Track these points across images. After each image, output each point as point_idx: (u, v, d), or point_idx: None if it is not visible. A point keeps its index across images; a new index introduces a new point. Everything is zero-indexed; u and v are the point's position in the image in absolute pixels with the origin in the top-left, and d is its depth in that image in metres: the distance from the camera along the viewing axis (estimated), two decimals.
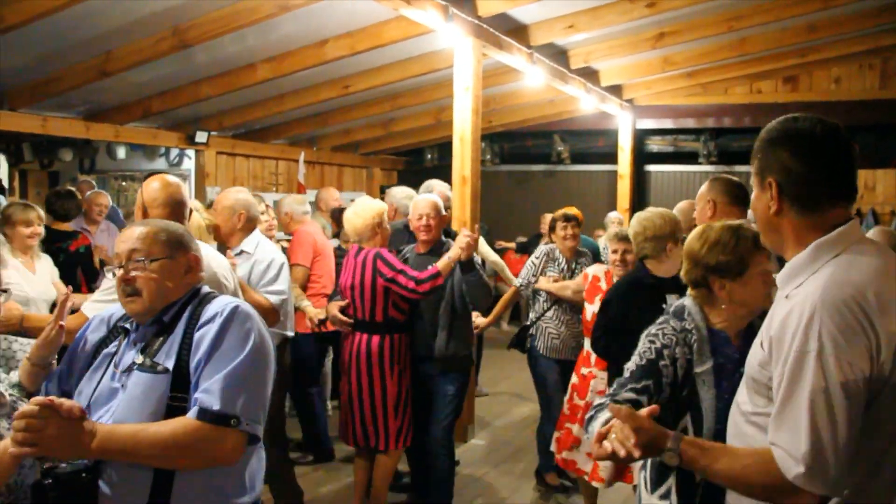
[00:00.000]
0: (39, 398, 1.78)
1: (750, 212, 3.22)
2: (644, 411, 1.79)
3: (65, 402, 1.80)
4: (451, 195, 5.35)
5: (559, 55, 7.55)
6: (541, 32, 6.62)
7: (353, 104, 8.59)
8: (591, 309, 4.23)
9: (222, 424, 1.90)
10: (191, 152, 9.36)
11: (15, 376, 2.26)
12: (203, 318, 2.05)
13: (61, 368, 2.23)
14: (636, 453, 1.70)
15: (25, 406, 1.77)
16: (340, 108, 8.74)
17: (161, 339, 2.07)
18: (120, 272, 2.09)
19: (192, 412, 1.91)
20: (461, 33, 5.51)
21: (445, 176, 5.91)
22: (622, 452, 1.71)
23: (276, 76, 6.60)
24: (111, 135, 7.75)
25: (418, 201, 4.42)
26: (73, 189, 6.43)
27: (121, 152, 10.47)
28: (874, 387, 1.59)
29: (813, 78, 9.94)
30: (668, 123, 10.78)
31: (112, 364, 2.09)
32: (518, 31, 6.52)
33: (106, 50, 5.75)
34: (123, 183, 11.74)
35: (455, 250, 4.13)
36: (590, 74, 8.48)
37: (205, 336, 2.01)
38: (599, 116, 10.32)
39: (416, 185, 9.89)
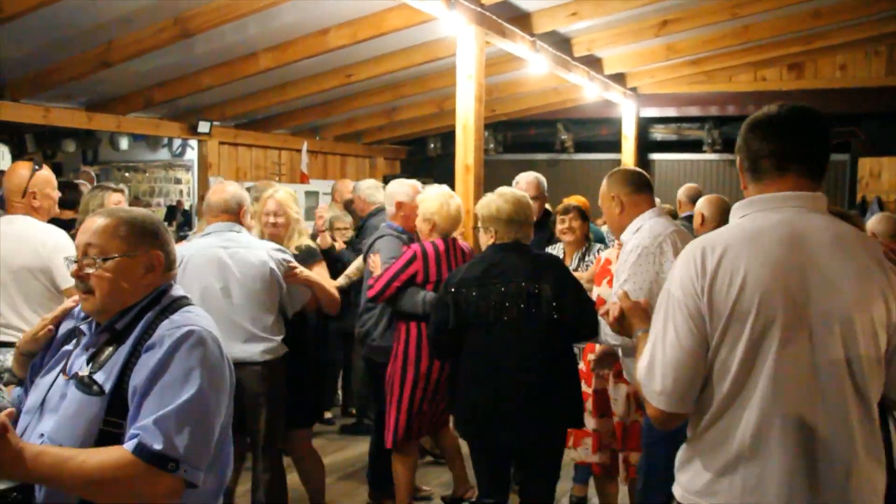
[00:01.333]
0: None
1: (657, 199, 3.69)
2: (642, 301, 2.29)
3: None
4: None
5: (562, 43, 7.51)
6: (544, 20, 6.58)
7: (355, 93, 8.57)
8: (597, 291, 4.21)
9: (159, 466, 1.73)
10: (193, 142, 9.36)
11: (8, 362, 2.25)
12: (154, 339, 1.85)
13: (35, 363, 2.11)
14: (615, 311, 2.23)
15: None
16: (343, 98, 8.72)
17: (109, 349, 1.91)
18: (74, 267, 1.94)
19: (130, 445, 1.74)
20: (464, 21, 5.48)
21: (448, 165, 5.90)
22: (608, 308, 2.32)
23: (279, 65, 6.58)
24: (113, 125, 7.74)
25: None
26: (77, 181, 6.43)
27: (123, 143, 10.48)
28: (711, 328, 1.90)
29: (818, 65, 9.88)
30: (671, 112, 10.74)
31: (65, 366, 1.96)
32: (521, 19, 6.49)
33: (107, 40, 5.74)
34: (126, 174, 11.75)
35: None
36: (593, 62, 8.44)
37: (149, 360, 1.82)
38: (603, 105, 10.27)
39: (419, 174, 9.88)
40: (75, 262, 1.94)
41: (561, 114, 11.08)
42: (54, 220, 5.71)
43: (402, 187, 4.46)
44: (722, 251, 1.90)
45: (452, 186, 5.54)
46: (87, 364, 1.90)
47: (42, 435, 1.86)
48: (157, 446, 1.72)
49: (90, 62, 5.94)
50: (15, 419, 1.93)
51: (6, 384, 2.19)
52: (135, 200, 9.24)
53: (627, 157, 10.23)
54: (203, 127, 8.28)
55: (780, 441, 1.86)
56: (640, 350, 2.05)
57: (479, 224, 3.53)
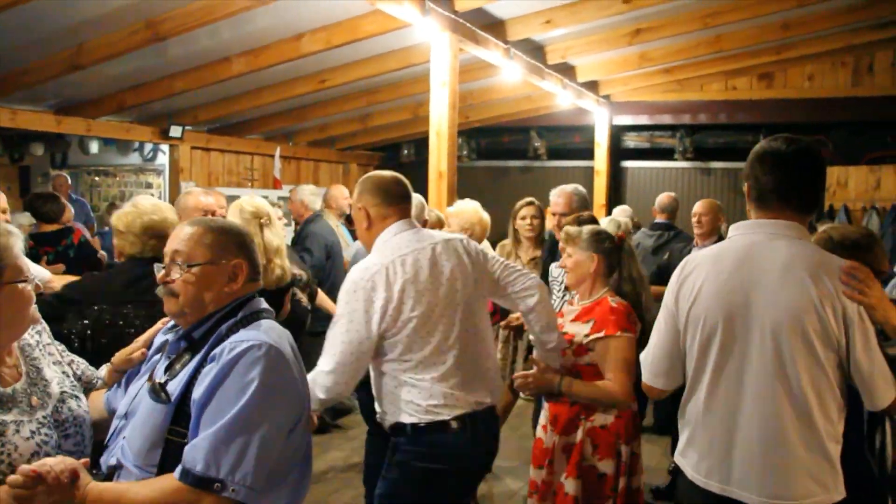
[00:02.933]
0: (25, 467, 1.70)
1: (625, 208, 4.00)
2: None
3: (53, 469, 1.71)
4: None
5: (536, 50, 7.55)
6: (518, 27, 6.61)
7: (329, 99, 8.54)
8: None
9: (202, 488, 1.77)
10: (165, 147, 9.28)
11: (102, 371, 2.31)
12: (216, 349, 1.89)
13: (132, 371, 2.21)
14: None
15: (13, 476, 1.70)
16: (317, 103, 8.68)
17: (185, 357, 1.96)
18: (161, 273, 2.03)
19: (177, 470, 1.80)
20: (438, 28, 5.49)
21: (422, 171, 5.90)
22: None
23: (252, 70, 6.54)
24: (83, 129, 7.64)
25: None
26: (56, 193, 6.35)
27: (94, 147, 10.37)
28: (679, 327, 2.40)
29: (787, 75, 10.02)
30: (644, 120, 10.82)
31: (152, 373, 2.04)
32: (495, 27, 6.51)
33: (77, 42, 5.66)
34: (96, 178, 11.62)
35: None
36: (567, 70, 8.49)
37: (209, 373, 1.85)
38: (576, 112, 10.34)
39: None
40: (163, 267, 2.03)
41: (534, 121, 11.12)
42: (39, 235, 5.66)
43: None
44: (693, 267, 2.40)
45: (425, 193, 5.56)
46: (165, 372, 1.97)
47: (124, 438, 1.96)
48: (199, 468, 1.77)
49: (60, 64, 5.86)
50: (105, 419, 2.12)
51: (98, 388, 2.27)
52: (111, 207, 9.10)
53: (600, 164, 10.30)
54: (175, 131, 8.20)
55: (717, 426, 2.30)
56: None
57: None
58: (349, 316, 2.69)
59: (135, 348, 2.24)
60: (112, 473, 1.95)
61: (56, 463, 1.73)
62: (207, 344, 1.94)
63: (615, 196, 11.03)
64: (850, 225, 4.03)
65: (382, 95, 8.47)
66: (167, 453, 1.86)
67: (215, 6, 5.06)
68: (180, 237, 2.02)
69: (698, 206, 5.80)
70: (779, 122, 10.01)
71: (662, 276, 4.97)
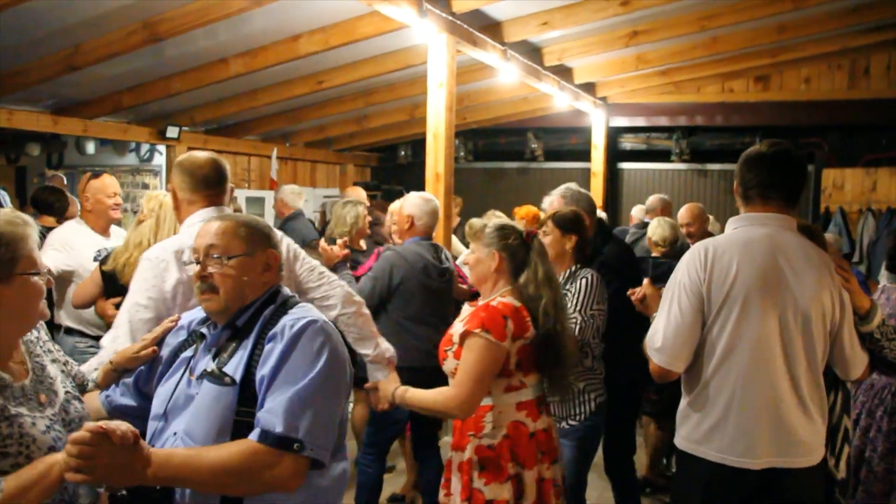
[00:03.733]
0: (91, 424, 1.70)
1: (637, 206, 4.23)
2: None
3: (118, 428, 1.70)
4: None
5: (533, 52, 7.56)
6: (515, 29, 6.61)
7: (326, 100, 8.54)
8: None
9: (283, 448, 1.83)
10: (162, 148, 9.27)
11: (95, 373, 2.28)
12: (275, 329, 1.98)
13: (141, 370, 2.22)
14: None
15: (78, 432, 1.68)
16: (314, 104, 8.68)
17: (233, 345, 2.03)
18: (196, 268, 2.07)
19: (254, 433, 1.85)
20: (435, 29, 5.49)
21: (419, 173, 5.91)
22: None
23: (249, 71, 6.53)
24: (79, 129, 7.62)
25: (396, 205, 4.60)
26: (62, 189, 6.36)
27: (90, 147, 10.34)
28: (708, 308, 2.58)
29: (784, 77, 10.04)
30: (640, 121, 10.84)
31: (188, 370, 2.07)
32: (492, 28, 6.52)
33: (74, 43, 5.65)
34: None
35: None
36: (563, 72, 8.50)
37: (273, 350, 1.94)
38: (573, 114, 10.35)
39: (389, 181, 9.85)
40: (197, 263, 2.08)
41: (531, 122, 11.13)
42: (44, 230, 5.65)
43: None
44: (721, 252, 2.60)
45: None
46: (213, 360, 2.02)
47: (175, 434, 1.98)
48: (279, 429, 1.83)
49: (57, 65, 5.85)
50: (109, 413, 2.15)
51: (90, 390, 2.26)
52: None
53: (597, 166, 10.31)
54: (172, 132, 8.19)
55: (751, 403, 2.52)
56: None
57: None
58: (142, 292, 2.58)
59: (143, 346, 2.24)
60: None
61: (119, 424, 1.73)
62: (255, 328, 2.02)
63: (612, 198, 11.05)
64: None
65: (380, 97, 8.46)
66: (237, 434, 1.91)
67: (212, 7, 5.05)
68: (212, 232, 2.08)
69: (684, 217, 5.96)
70: (775, 124, 10.04)
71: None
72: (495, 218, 5.12)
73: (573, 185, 4.24)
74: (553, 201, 4.17)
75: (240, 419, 1.92)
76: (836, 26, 7.72)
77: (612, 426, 4.00)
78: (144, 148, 10.37)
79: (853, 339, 2.63)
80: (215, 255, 2.05)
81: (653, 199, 7.49)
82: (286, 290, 2.18)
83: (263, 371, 1.92)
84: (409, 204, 4.46)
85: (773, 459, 2.52)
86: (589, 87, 9.55)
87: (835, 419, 3.07)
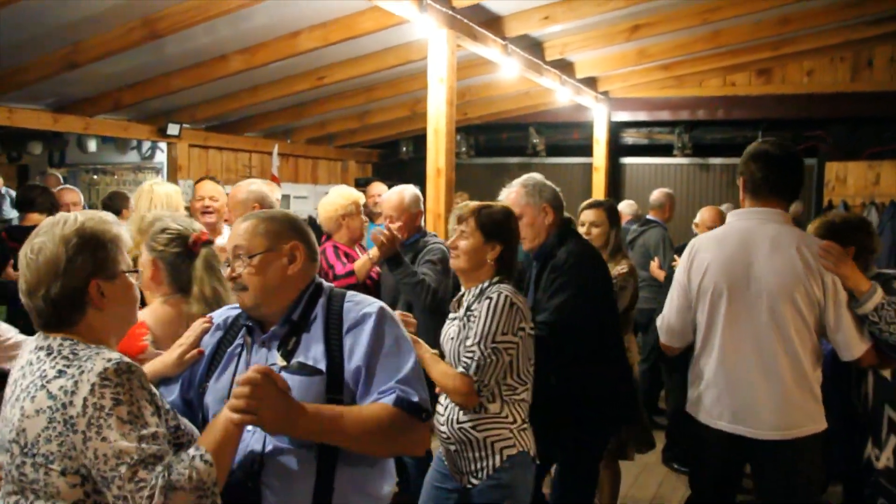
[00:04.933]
0: (261, 366, 1.83)
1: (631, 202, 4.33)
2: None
3: (279, 375, 1.85)
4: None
5: (534, 47, 7.53)
6: (516, 24, 6.59)
7: (327, 96, 8.52)
8: None
9: (415, 415, 1.97)
10: (163, 145, 9.26)
11: None
12: (350, 321, 2.06)
13: (184, 377, 2.22)
14: None
15: (247, 374, 1.80)
16: (315, 101, 8.67)
17: (295, 338, 2.07)
18: (227, 270, 2.13)
19: (389, 399, 1.95)
20: (435, 24, 5.47)
21: (420, 168, 5.89)
22: None
23: (249, 68, 6.52)
24: (80, 127, 7.62)
25: (383, 198, 4.53)
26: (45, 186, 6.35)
27: (92, 145, 10.34)
28: (691, 296, 3.05)
29: (786, 71, 10.00)
30: (642, 116, 10.80)
31: (242, 364, 2.10)
32: (493, 23, 6.49)
33: (74, 40, 5.64)
34: (95, 176, 11.58)
35: (373, 250, 4.18)
36: (565, 66, 8.47)
37: (359, 341, 2.02)
38: (574, 109, 10.32)
39: (391, 177, 9.86)
40: (228, 265, 2.14)
41: (533, 118, 11.11)
42: (14, 229, 5.64)
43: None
44: (701, 247, 3.05)
45: (424, 190, 5.55)
46: (280, 354, 2.06)
47: (249, 428, 1.94)
48: (415, 398, 1.97)
49: (57, 63, 5.84)
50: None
51: None
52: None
53: (599, 161, 10.29)
54: (173, 129, 8.19)
55: (727, 374, 2.93)
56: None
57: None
58: None
59: (184, 350, 2.22)
60: (260, 460, 1.96)
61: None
62: (317, 317, 2.09)
63: (614, 193, 11.02)
64: (846, 211, 4.73)
65: (380, 92, 8.45)
66: None
67: (212, 3, 5.04)
68: (238, 233, 2.13)
69: (707, 217, 6.09)
70: (777, 117, 10.01)
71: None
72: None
73: (537, 176, 3.63)
74: (512, 194, 3.54)
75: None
76: (839, 18, 7.68)
77: (565, 475, 3.54)
78: (146, 146, 10.37)
79: (842, 320, 2.83)
80: (241, 256, 2.10)
81: (658, 195, 7.49)
82: (322, 281, 2.23)
83: (357, 359, 2.00)
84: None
85: (742, 427, 2.91)
86: (590, 82, 9.52)
87: (869, 406, 3.19)
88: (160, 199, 4.25)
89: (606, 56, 8.61)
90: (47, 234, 1.82)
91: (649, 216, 7.44)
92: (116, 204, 6.12)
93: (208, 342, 2.22)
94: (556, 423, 3.35)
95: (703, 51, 8.48)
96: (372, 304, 2.10)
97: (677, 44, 8.20)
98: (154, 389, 1.81)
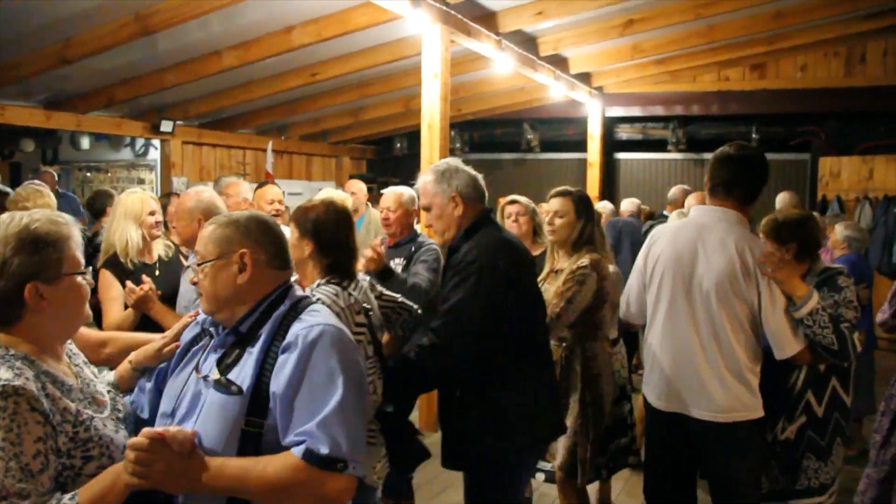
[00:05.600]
0: (150, 430, 1.71)
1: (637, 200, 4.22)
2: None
3: (177, 435, 1.73)
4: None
5: (528, 42, 7.53)
6: (509, 19, 6.58)
7: (321, 92, 8.51)
8: None
9: (329, 469, 1.80)
10: (156, 142, 9.23)
11: (110, 376, 2.21)
12: (288, 339, 1.89)
13: (161, 368, 2.19)
14: None
15: (137, 438, 1.69)
16: (308, 97, 8.65)
17: (237, 351, 1.95)
18: (192, 276, 2.07)
19: (298, 451, 1.80)
20: (429, 20, 5.46)
21: (414, 164, 5.89)
22: None
23: (243, 64, 6.51)
24: (73, 124, 7.60)
25: (385, 194, 4.49)
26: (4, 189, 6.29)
27: (85, 142, 10.31)
28: (645, 280, 3.26)
29: (780, 65, 10.02)
30: (637, 111, 10.82)
31: (191, 366, 2.03)
32: (486, 18, 6.48)
33: (66, 36, 5.62)
34: (88, 174, 11.55)
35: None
36: (559, 62, 8.47)
37: (286, 363, 1.86)
38: (569, 104, 10.32)
39: (385, 173, 9.83)
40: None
41: (527, 113, 11.11)
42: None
43: None
44: (659, 237, 3.24)
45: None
46: (217, 366, 1.95)
47: None
48: (325, 450, 1.79)
49: (48, 59, 5.82)
50: (135, 426, 2.03)
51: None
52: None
53: (593, 156, 10.29)
54: (166, 126, 8.16)
55: (664, 358, 3.14)
56: None
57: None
58: None
59: (164, 343, 2.23)
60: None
61: (178, 431, 1.74)
62: (264, 333, 1.94)
63: (609, 188, 11.03)
64: (792, 210, 4.77)
65: (374, 88, 8.44)
66: (244, 444, 1.86)
67: None
68: (199, 238, 2.05)
69: (691, 201, 6.04)
70: (771, 112, 10.03)
71: None
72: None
73: (453, 161, 3.21)
74: (421, 181, 3.16)
75: (248, 429, 1.86)
76: (833, 13, 7.70)
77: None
78: (139, 143, 10.34)
79: (774, 321, 2.98)
80: (197, 263, 2.02)
81: (675, 191, 7.40)
82: (298, 290, 2.07)
83: (278, 384, 1.84)
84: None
85: (678, 406, 3.12)
86: (585, 77, 9.52)
87: (795, 391, 3.38)
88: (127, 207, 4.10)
89: (600, 51, 8.61)
90: None
91: (665, 212, 7.40)
92: (101, 202, 6.06)
93: (187, 337, 2.16)
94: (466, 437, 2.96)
95: (697, 46, 8.48)
96: (316, 326, 1.90)
97: (671, 39, 8.20)
98: (50, 409, 1.71)
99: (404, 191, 4.51)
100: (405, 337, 3.29)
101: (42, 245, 1.79)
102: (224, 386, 1.88)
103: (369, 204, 6.25)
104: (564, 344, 3.67)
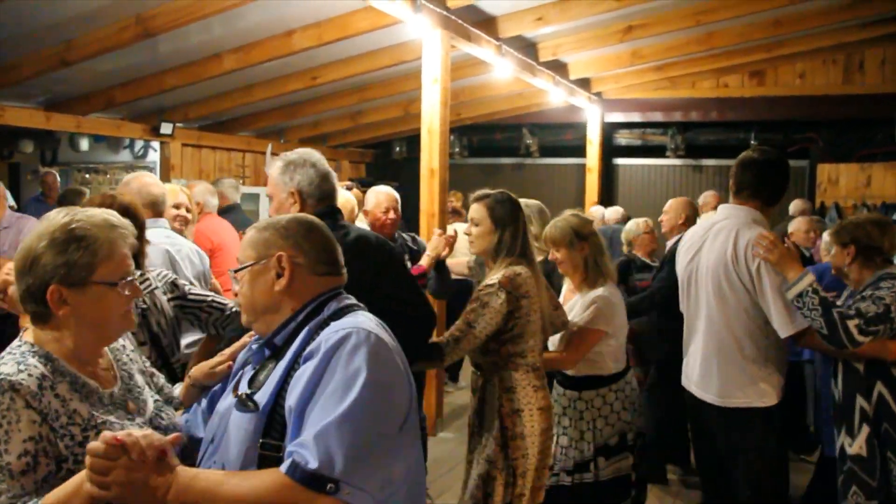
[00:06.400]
0: (108, 434, 1.50)
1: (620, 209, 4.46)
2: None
3: (139, 441, 1.51)
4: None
5: (528, 48, 7.55)
6: (509, 24, 6.61)
7: (321, 96, 8.52)
8: None
9: (316, 488, 1.53)
10: (156, 144, 9.22)
11: (177, 390, 2.17)
12: (311, 346, 1.67)
13: (215, 391, 2.04)
14: None
15: (94, 442, 1.51)
16: (308, 100, 8.66)
17: (270, 365, 1.77)
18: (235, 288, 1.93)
19: (284, 465, 1.56)
20: (429, 25, 5.48)
21: (414, 169, 5.90)
22: None
23: (243, 67, 6.51)
24: (73, 126, 7.59)
25: (380, 193, 4.41)
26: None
27: (84, 144, 10.31)
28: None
29: (779, 73, 10.05)
30: (636, 117, 10.84)
31: (234, 386, 1.86)
32: (487, 23, 6.50)
33: (67, 38, 5.62)
34: (87, 175, 11.55)
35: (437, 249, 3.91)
36: (558, 67, 8.49)
37: (304, 373, 1.63)
38: (568, 110, 10.34)
39: (384, 177, 9.84)
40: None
41: (526, 118, 11.13)
42: None
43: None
44: (685, 237, 3.63)
45: (417, 190, 5.55)
46: (249, 384, 1.78)
47: (214, 462, 1.77)
48: (313, 465, 1.53)
49: (49, 60, 5.82)
50: (185, 445, 1.83)
51: (176, 409, 2.10)
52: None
53: (592, 161, 10.31)
54: (166, 128, 8.16)
55: (689, 346, 3.44)
56: None
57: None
58: None
59: (219, 361, 2.10)
60: None
61: (144, 436, 1.52)
62: (294, 346, 1.74)
63: (607, 193, 11.05)
64: (867, 214, 4.89)
65: (374, 92, 8.45)
66: (263, 468, 1.64)
67: (205, 2, 5.03)
68: (240, 246, 1.90)
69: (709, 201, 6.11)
70: (770, 119, 10.05)
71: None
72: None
73: (307, 152, 2.87)
74: (272, 168, 2.91)
75: (266, 453, 1.65)
76: (831, 21, 7.72)
77: None
78: (139, 145, 10.34)
79: (765, 301, 3.10)
80: (234, 270, 1.86)
81: (705, 196, 7.53)
82: (345, 298, 1.85)
83: (294, 395, 1.62)
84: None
85: (694, 389, 3.38)
86: (584, 83, 9.54)
87: (839, 397, 3.31)
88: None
89: (600, 57, 8.63)
90: (38, 226, 1.73)
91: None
92: (69, 201, 6.04)
93: (240, 358, 1.99)
94: None
95: (697, 52, 8.51)
96: (339, 330, 1.67)
97: (670, 45, 8.23)
98: (56, 409, 1.65)
99: (393, 190, 4.50)
100: (220, 335, 3.07)
101: (73, 247, 1.69)
102: (243, 403, 1.70)
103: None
104: (478, 373, 3.21)
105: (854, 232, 3.32)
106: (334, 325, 1.71)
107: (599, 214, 8.45)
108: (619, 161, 11.61)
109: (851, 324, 2.97)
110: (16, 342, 1.77)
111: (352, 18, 5.83)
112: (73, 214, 1.74)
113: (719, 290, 3.21)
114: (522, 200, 3.87)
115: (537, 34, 7.33)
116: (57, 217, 1.74)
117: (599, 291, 3.47)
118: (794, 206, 6.77)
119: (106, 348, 1.89)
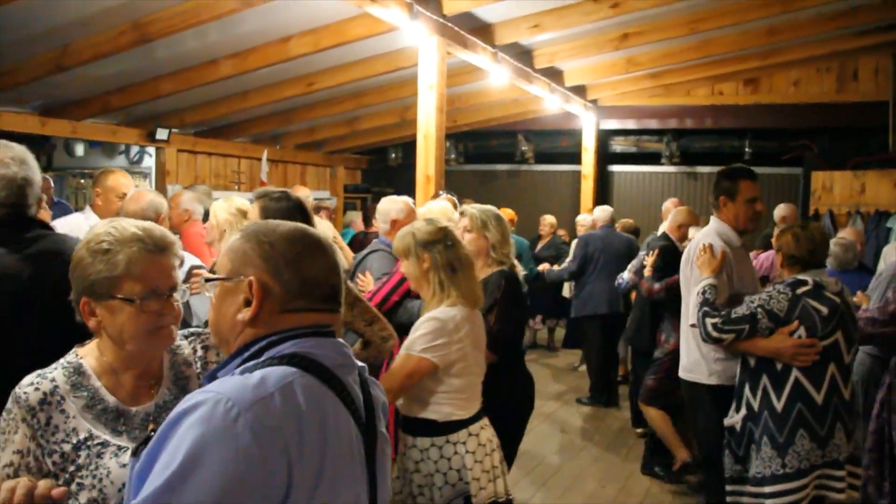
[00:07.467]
0: (25, 480, 1.45)
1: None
2: None
3: (42, 491, 1.42)
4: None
5: (524, 55, 7.57)
6: (505, 32, 6.62)
7: (317, 102, 8.52)
8: None
9: None
10: (151, 150, 9.21)
11: None
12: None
13: None
14: None
15: (7, 482, 1.47)
16: (304, 106, 8.66)
17: None
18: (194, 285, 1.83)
19: None
20: (426, 31, 5.49)
21: (409, 175, 5.90)
22: None
23: (239, 73, 6.51)
24: (68, 131, 7.58)
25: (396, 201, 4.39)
26: None
27: (79, 149, 10.27)
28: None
29: (773, 81, 10.09)
30: (631, 124, 10.87)
31: None
32: (483, 30, 6.52)
33: (63, 43, 5.62)
34: (82, 181, 11.52)
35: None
36: (554, 74, 8.51)
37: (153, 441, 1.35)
38: (563, 116, 10.37)
39: (379, 184, 9.83)
40: None
41: (522, 125, 11.15)
42: None
43: (396, 204, 4.27)
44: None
45: (413, 196, 5.55)
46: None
47: None
48: None
49: (44, 65, 5.81)
50: None
51: None
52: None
53: (587, 168, 10.33)
54: (161, 134, 8.16)
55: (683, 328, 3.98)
56: None
57: None
58: None
59: None
60: None
61: (45, 486, 1.42)
62: None
63: (602, 200, 11.07)
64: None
65: (370, 99, 8.46)
66: None
67: (202, 8, 5.04)
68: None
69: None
70: (764, 127, 10.09)
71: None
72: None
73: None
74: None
75: None
76: (825, 30, 7.77)
77: None
78: (134, 150, 10.32)
79: (691, 296, 3.70)
80: (206, 279, 1.55)
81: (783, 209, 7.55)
82: (304, 344, 1.40)
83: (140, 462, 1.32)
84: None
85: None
86: (579, 90, 9.57)
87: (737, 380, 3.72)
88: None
89: (595, 64, 8.66)
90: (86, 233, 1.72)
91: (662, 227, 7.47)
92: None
93: None
94: None
95: (691, 60, 8.54)
96: (199, 396, 1.26)
97: (666, 53, 8.26)
98: (55, 425, 1.64)
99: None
100: None
101: (98, 259, 1.66)
102: (134, 451, 1.37)
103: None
104: None
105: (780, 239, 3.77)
106: (217, 381, 1.34)
107: (587, 222, 8.38)
108: (615, 168, 11.64)
109: (709, 321, 3.49)
110: (70, 352, 1.77)
111: (348, 25, 5.84)
112: (113, 224, 1.71)
113: (685, 286, 3.88)
114: (479, 206, 3.73)
115: (533, 41, 7.35)
116: (99, 226, 1.72)
117: (436, 312, 2.83)
118: (778, 210, 6.76)
119: (166, 360, 1.80)
